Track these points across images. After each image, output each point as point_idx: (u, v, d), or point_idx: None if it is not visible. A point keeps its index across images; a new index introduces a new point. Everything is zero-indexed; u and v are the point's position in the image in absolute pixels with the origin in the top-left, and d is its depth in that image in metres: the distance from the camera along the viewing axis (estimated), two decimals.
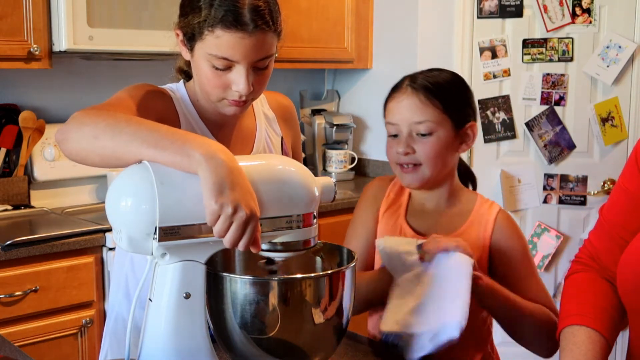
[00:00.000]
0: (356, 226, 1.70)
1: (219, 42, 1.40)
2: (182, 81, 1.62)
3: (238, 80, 1.43)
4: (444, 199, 1.66)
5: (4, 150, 2.74)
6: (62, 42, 2.53)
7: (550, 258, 3.24)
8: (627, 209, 1.33)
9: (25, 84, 2.87)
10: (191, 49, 1.48)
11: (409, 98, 1.57)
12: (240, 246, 1.11)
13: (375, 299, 1.58)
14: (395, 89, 1.62)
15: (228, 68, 1.44)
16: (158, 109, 1.50)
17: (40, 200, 2.85)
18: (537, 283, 1.61)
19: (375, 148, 3.68)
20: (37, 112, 2.82)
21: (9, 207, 2.71)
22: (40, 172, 2.83)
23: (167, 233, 1.11)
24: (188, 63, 1.58)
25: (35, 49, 2.51)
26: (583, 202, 3.22)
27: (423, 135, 1.56)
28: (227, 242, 1.10)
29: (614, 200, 1.37)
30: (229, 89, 1.46)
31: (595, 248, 1.39)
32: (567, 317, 1.30)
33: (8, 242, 2.26)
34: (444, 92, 1.59)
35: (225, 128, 1.60)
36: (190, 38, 1.46)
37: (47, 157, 2.82)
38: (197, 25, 1.43)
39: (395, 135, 1.60)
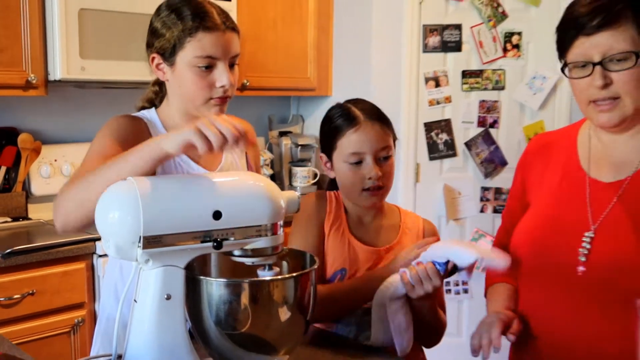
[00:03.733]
0: (297, 240, 1.60)
1: (202, 43, 1.46)
2: (153, 108, 1.62)
3: (221, 75, 1.48)
4: (378, 210, 1.65)
5: (4, 168, 2.70)
6: (57, 72, 2.51)
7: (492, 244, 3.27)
8: (513, 210, 1.56)
9: (24, 110, 2.83)
10: (172, 64, 1.50)
11: (372, 128, 1.55)
12: (229, 137, 1.16)
13: (352, 307, 1.55)
14: (352, 121, 1.56)
15: (210, 68, 1.48)
16: (134, 138, 1.48)
17: (37, 213, 2.81)
18: (441, 290, 1.62)
19: None
20: (35, 134, 2.80)
21: (9, 219, 2.67)
22: (37, 188, 2.79)
23: (150, 242, 1.11)
24: (155, 92, 1.62)
25: (33, 78, 2.48)
26: None
27: (385, 158, 1.56)
28: (214, 139, 1.15)
29: (507, 203, 1.62)
30: (214, 88, 1.49)
31: (500, 240, 1.59)
32: (490, 279, 1.59)
33: (7, 251, 2.23)
34: (386, 116, 1.61)
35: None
36: (171, 52, 1.48)
37: (43, 175, 2.79)
38: (176, 37, 1.47)
39: (359, 162, 1.54)
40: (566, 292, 1.33)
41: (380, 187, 1.55)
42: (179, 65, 1.48)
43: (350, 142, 1.55)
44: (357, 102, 1.62)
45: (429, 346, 1.64)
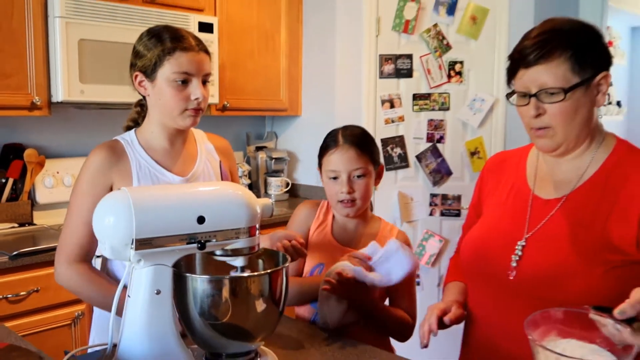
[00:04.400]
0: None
1: (180, 61, 1.48)
2: (133, 130, 1.62)
3: (195, 89, 1.51)
4: (361, 220, 1.68)
5: (11, 180, 2.65)
6: (59, 94, 2.48)
7: (435, 256, 3.30)
8: (469, 221, 1.52)
9: (30, 128, 2.79)
10: (152, 80, 1.51)
11: (348, 151, 1.59)
12: None
13: (307, 300, 1.60)
14: (334, 144, 1.61)
15: (186, 83, 1.50)
16: (109, 173, 1.52)
17: (41, 219, 2.75)
18: (412, 292, 1.66)
19: (304, 175, 3.69)
20: (39, 149, 2.75)
21: (16, 225, 2.62)
22: (41, 197, 2.74)
23: (142, 243, 1.10)
24: (138, 112, 1.62)
25: (37, 100, 2.45)
26: (458, 214, 3.29)
27: (359, 177, 1.59)
28: None
29: (467, 215, 1.57)
30: (189, 100, 1.51)
31: (459, 247, 1.56)
32: (447, 280, 1.55)
33: (15, 253, 2.20)
34: (369, 143, 1.63)
35: (170, 154, 1.61)
36: (152, 70, 1.50)
37: (46, 185, 2.74)
38: (157, 57, 1.49)
39: (336, 178, 1.60)
40: (500, 295, 1.30)
41: (352, 200, 1.59)
42: (159, 81, 1.50)
43: (330, 160, 1.61)
44: (347, 128, 1.65)
45: (399, 340, 1.64)
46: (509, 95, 1.31)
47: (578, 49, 1.20)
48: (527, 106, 1.25)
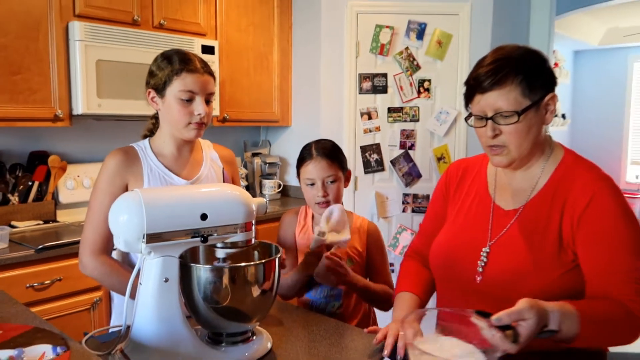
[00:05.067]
0: (283, 243, 1.74)
1: (185, 81, 1.47)
2: (147, 139, 1.61)
3: (198, 106, 1.50)
4: None
5: (37, 183, 2.62)
6: (79, 108, 2.45)
7: (407, 248, 3.30)
8: (433, 221, 1.46)
9: (53, 137, 2.76)
10: (162, 96, 1.50)
11: (320, 162, 1.63)
12: None
13: (298, 288, 1.63)
14: (308, 156, 1.65)
15: (191, 100, 1.49)
16: (125, 174, 1.52)
17: (64, 217, 2.72)
18: (386, 271, 1.71)
19: (294, 177, 3.69)
20: (62, 156, 2.72)
21: (41, 222, 2.59)
22: (64, 197, 2.71)
23: (152, 238, 1.09)
24: (153, 124, 1.61)
25: (60, 113, 2.42)
26: None
27: (331, 182, 1.63)
28: None
29: (426, 216, 1.50)
30: (193, 115, 1.50)
31: (417, 246, 1.51)
32: (399, 287, 1.41)
33: (40, 246, 2.17)
34: (338, 154, 1.67)
35: (179, 161, 1.60)
36: (162, 88, 1.49)
37: (68, 187, 2.71)
38: (167, 76, 1.48)
39: (312, 184, 1.64)
40: (468, 296, 1.26)
41: (327, 202, 1.63)
42: (168, 97, 1.49)
43: (306, 170, 1.65)
44: (319, 142, 1.68)
45: (384, 309, 1.66)
46: (467, 118, 1.27)
47: (527, 74, 1.18)
48: (484, 128, 1.22)
